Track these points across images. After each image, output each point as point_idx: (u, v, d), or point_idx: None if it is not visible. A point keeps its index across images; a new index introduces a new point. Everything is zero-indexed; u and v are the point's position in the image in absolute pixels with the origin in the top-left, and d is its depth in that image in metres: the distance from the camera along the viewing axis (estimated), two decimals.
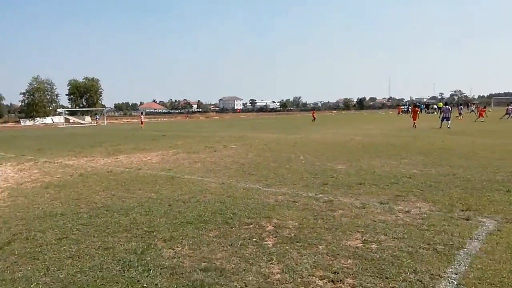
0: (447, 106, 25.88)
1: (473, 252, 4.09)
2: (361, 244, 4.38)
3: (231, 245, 4.45)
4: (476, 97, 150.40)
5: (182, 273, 3.73)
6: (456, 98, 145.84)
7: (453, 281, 3.43)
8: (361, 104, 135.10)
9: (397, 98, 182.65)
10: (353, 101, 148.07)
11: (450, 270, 3.66)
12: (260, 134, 22.44)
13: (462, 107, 47.39)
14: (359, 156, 11.60)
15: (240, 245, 4.43)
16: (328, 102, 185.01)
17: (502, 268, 3.66)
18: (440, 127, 23.71)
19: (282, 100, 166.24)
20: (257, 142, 17.00)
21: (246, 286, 3.44)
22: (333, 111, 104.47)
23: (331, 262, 3.91)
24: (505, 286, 3.31)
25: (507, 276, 3.49)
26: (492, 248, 4.16)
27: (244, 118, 69.00)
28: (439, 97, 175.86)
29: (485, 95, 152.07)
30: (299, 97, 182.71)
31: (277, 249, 4.27)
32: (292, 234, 4.75)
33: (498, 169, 8.84)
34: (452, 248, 4.21)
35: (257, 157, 11.96)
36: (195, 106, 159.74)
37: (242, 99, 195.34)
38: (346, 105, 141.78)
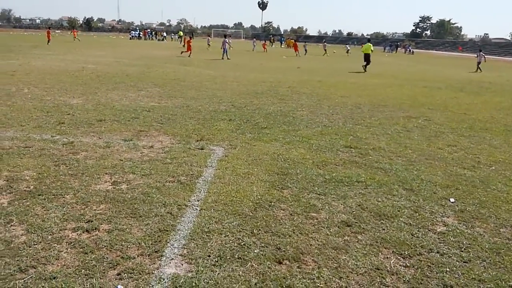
0: (226, 39, 26.93)
1: (209, 178, 4.80)
2: (111, 187, 4.39)
3: None
4: (199, 27, 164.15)
5: None
6: (182, 26, 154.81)
7: (197, 207, 3.99)
8: (89, 25, 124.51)
9: (127, 21, 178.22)
10: (79, 20, 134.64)
11: (193, 198, 4.21)
12: None
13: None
14: (95, 88, 11.04)
15: None
16: (49, 19, 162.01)
17: (231, 189, 4.49)
18: (222, 59, 25.96)
19: None
20: None
21: None
22: (57, 31, 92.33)
23: (82, 211, 3.78)
24: (234, 204, 4.11)
25: (235, 195, 4.32)
26: (222, 173, 5.00)
27: None
28: (167, 24, 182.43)
29: (207, 26, 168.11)
30: (10, 10, 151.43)
31: (16, 208, 3.76)
32: (32, 187, 4.25)
33: (221, 100, 10.32)
34: (193, 177, 4.80)
35: None
36: None
37: None
38: (71, 24, 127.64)
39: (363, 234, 3.64)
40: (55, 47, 30.72)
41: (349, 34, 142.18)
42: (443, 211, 4.21)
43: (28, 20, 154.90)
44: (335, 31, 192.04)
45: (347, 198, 4.43)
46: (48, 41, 34.66)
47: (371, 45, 22.96)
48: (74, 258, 3.01)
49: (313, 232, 3.63)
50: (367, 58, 22.37)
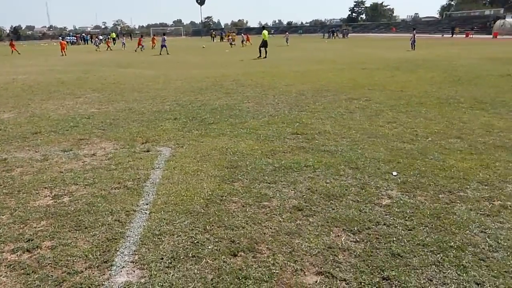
0: (164, 37, 31.08)
1: (157, 180, 4.67)
2: (52, 201, 4.15)
3: None
4: (137, 27, 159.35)
5: None
6: (119, 28, 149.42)
7: (146, 211, 3.87)
8: (17, 33, 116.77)
9: (59, 26, 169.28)
10: (6, 30, 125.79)
11: (142, 202, 4.08)
12: None
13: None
14: (28, 100, 10.39)
15: None
16: None
17: (180, 188, 4.40)
18: (160, 54, 29.33)
19: None
20: None
21: None
22: None
23: (21, 230, 3.54)
24: (185, 202, 4.03)
25: (185, 194, 4.25)
26: (171, 173, 4.89)
27: None
28: (103, 27, 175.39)
29: (145, 25, 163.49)
30: None
31: None
32: None
33: (165, 99, 10.09)
34: (140, 181, 4.65)
35: None
36: None
37: None
38: None
39: (314, 216, 3.72)
40: None
41: (289, 23, 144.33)
42: (387, 185, 4.40)
43: None
44: (275, 21, 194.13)
45: (297, 183, 4.50)
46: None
47: (267, 32, 25.68)
48: (15, 281, 2.81)
49: (266, 221, 3.66)
50: (265, 43, 24.45)
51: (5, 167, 5.21)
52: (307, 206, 3.93)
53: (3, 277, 2.87)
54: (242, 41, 44.37)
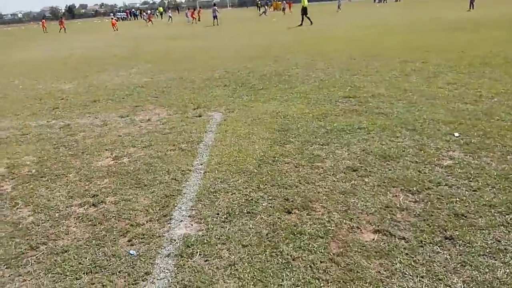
0: (215, 7, 31.48)
1: (210, 142, 4.75)
2: (113, 161, 4.36)
3: None
4: (183, 0, 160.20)
5: None
6: (166, 2, 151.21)
7: (201, 171, 3.96)
8: (72, 12, 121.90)
9: (110, 4, 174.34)
10: (61, 9, 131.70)
11: (196, 162, 4.18)
12: None
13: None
14: (86, 72, 10.87)
15: None
16: (31, 12, 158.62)
17: (232, 150, 4.45)
18: (214, 25, 29.62)
19: None
20: None
21: None
22: (39, 22, 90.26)
23: (87, 187, 3.77)
24: (238, 163, 4.08)
25: (237, 155, 4.29)
26: (223, 136, 4.94)
27: None
28: (151, 2, 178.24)
29: None
30: None
31: (20, 191, 3.75)
32: (34, 171, 4.22)
33: (214, 68, 10.14)
34: (194, 143, 4.75)
35: None
36: None
37: None
38: (54, 14, 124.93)
39: (369, 177, 3.61)
40: (40, 38, 30.12)
41: None
42: (448, 146, 4.16)
43: (9, 16, 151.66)
44: None
45: (350, 145, 4.39)
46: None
47: None
48: (83, 231, 3.01)
49: (320, 181, 3.61)
50: (305, 10, 23.57)
51: (69, 131, 5.53)
52: (361, 166, 3.82)
53: (73, 227, 3.08)
54: (283, 9, 43.26)
